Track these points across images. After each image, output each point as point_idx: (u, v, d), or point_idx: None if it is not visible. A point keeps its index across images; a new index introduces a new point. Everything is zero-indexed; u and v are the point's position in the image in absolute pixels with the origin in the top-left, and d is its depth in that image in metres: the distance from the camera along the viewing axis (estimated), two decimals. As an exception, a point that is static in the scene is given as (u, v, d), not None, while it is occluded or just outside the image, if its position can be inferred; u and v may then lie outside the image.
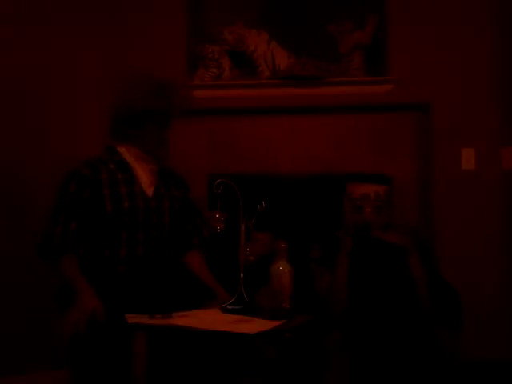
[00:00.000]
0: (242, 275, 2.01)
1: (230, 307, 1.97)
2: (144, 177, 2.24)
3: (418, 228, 2.46)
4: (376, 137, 3.28)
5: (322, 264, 2.33)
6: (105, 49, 3.18)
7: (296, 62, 3.30)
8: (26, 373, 2.91)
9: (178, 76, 3.01)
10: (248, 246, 2.04)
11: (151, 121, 2.20)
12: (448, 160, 3.19)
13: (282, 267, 1.91)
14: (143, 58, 3.19)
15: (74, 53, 3.13)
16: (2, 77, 2.95)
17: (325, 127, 3.31)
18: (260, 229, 2.11)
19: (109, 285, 2.08)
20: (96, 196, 2.15)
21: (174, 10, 3.32)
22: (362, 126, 3.29)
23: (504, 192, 3.16)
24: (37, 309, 2.80)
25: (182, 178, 2.42)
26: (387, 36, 3.24)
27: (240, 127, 3.33)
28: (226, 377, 1.99)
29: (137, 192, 2.19)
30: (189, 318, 1.85)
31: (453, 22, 3.20)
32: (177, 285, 2.15)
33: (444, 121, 3.19)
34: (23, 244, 2.67)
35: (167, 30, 3.31)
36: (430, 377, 2.07)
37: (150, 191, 2.23)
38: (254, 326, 1.75)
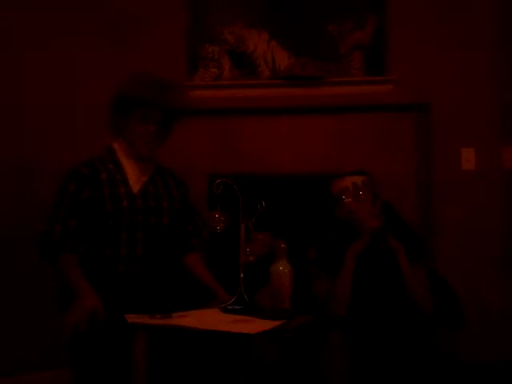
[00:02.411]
0: (242, 275, 2.01)
1: (230, 307, 1.98)
2: (132, 174, 2.24)
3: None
4: (376, 137, 3.27)
5: (319, 266, 2.32)
6: (105, 49, 3.18)
7: (296, 62, 3.30)
8: (26, 373, 2.91)
9: (178, 76, 3.01)
10: (248, 246, 2.04)
11: (136, 109, 2.19)
12: (448, 160, 3.19)
13: (282, 267, 1.91)
14: (143, 58, 3.18)
15: (74, 53, 3.13)
16: (3, 78, 2.96)
17: (325, 127, 3.30)
18: (260, 229, 2.10)
19: (109, 284, 2.08)
20: (95, 195, 2.15)
21: (174, 10, 3.32)
22: (361, 125, 3.28)
23: (504, 192, 3.16)
24: (37, 309, 2.80)
25: (181, 178, 2.42)
26: (387, 36, 3.24)
27: (240, 127, 3.33)
28: (225, 377, 1.99)
29: (128, 191, 2.19)
30: (188, 318, 1.85)
31: (453, 22, 3.20)
32: (176, 285, 2.15)
33: (444, 121, 3.19)
34: (23, 244, 2.67)
35: (167, 30, 3.31)
36: (430, 377, 2.07)
37: (135, 188, 2.23)
38: (254, 325, 1.75)
